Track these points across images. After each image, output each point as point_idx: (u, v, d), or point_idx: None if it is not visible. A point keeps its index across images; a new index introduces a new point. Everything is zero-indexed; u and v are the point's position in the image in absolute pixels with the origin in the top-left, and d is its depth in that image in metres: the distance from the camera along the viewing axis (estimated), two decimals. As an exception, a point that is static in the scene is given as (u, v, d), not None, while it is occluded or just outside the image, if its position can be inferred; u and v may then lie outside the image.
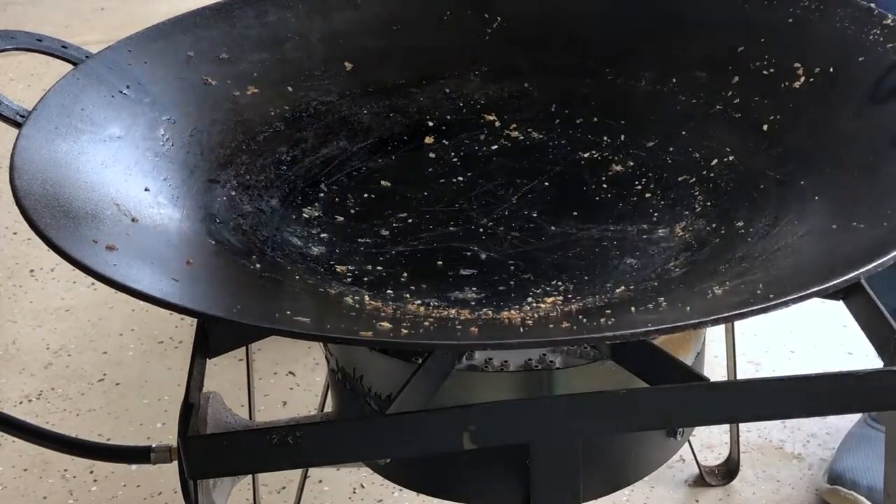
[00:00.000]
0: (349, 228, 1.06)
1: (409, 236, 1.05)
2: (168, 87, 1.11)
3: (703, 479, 1.50)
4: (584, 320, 0.91)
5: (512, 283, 0.99)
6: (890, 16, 1.09)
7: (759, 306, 0.82)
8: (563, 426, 0.90)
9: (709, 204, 1.06)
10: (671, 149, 1.13)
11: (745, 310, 0.82)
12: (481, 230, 1.05)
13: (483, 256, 1.02)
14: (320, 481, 1.52)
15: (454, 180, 1.12)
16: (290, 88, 1.17)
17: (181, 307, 0.84)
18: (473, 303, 0.96)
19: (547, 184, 1.11)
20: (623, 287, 0.97)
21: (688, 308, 0.88)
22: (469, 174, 1.13)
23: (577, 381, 0.97)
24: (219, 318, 0.83)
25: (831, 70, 1.09)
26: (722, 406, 0.90)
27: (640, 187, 1.10)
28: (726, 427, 1.53)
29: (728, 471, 1.51)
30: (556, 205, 1.08)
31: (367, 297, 0.96)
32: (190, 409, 0.92)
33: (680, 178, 1.10)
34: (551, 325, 0.91)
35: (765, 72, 1.13)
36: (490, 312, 0.94)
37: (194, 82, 1.13)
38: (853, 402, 0.91)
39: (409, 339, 0.87)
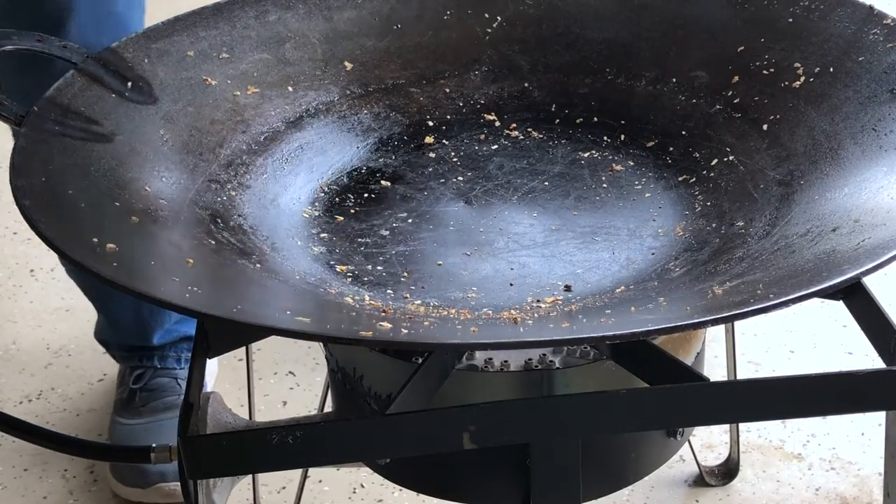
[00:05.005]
0: (349, 228, 1.06)
1: (409, 236, 1.05)
2: (168, 87, 1.11)
3: (703, 479, 1.50)
4: (584, 320, 0.91)
5: (512, 283, 0.99)
6: (890, 15, 1.09)
7: (759, 306, 0.82)
8: (563, 426, 0.90)
9: (709, 204, 1.06)
10: (671, 149, 1.13)
11: (745, 310, 0.82)
12: (481, 230, 1.05)
13: (483, 256, 1.02)
14: (320, 481, 1.52)
15: (454, 180, 1.12)
16: (290, 88, 1.17)
17: (181, 307, 0.84)
18: (473, 303, 0.96)
19: (547, 184, 1.11)
20: (623, 287, 0.97)
21: (688, 308, 0.88)
22: (469, 174, 1.13)
23: (577, 381, 0.97)
24: (219, 318, 0.83)
25: (831, 70, 1.09)
26: (722, 406, 0.90)
27: (639, 187, 1.10)
28: (726, 427, 1.53)
29: (728, 471, 1.51)
30: (556, 205, 1.08)
31: (367, 297, 0.96)
32: (190, 409, 0.92)
33: (680, 178, 1.10)
34: (551, 325, 0.91)
35: (765, 72, 1.13)
36: (490, 312, 0.94)
37: (194, 82, 1.13)
38: (853, 402, 0.91)
39: (409, 339, 0.87)
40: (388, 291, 0.98)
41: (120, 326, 1.58)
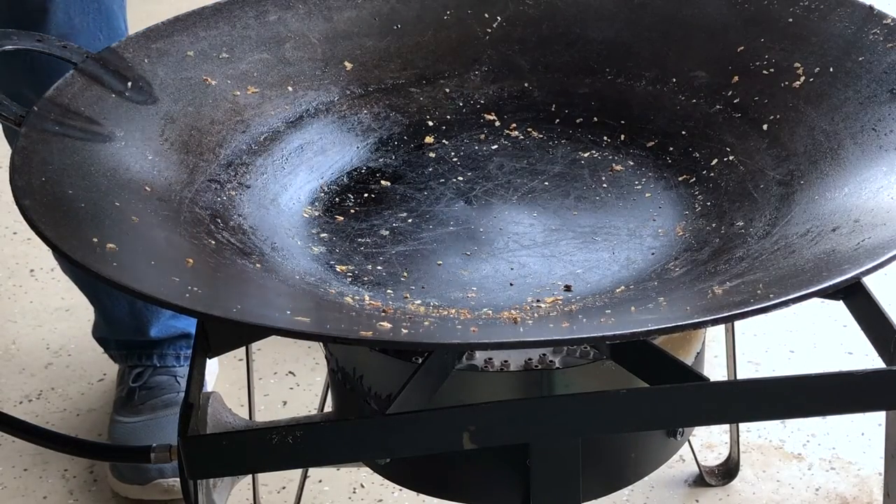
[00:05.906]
0: (349, 228, 1.06)
1: (409, 236, 1.05)
2: (168, 87, 1.11)
3: (703, 479, 1.50)
4: (584, 320, 0.91)
5: (512, 283, 0.99)
6: (890, 15, 1.09)
7: (759, 306, 0.82)
8: (563, 426, 0.90)
9: (709, 204, 1.06)
10: (671, 149, 1.13)
11: (745, 310, 0.82)
12: (481, 230, 1.05)
13: (483, 256, 1.02)
14: (320, 481, 1.52)
15: (454, 180, 1.12)
16: (290, 88, 1.17)
17: (181, 307, 0.84)
18: (473, 303, 0.96)
19: (547, 184, 1.11)
20: (623, 287, 0.97)
21: (688, 308, 0.88)
22: (469, 174, 1.13)
23: (577, 381, 0.97)
24: (219, 318, 0.83)
25: (831, 70, 1.09)
26: (722, 406, 0.90)
27: (639, 187, 1.10)
28: (726, 427, 1.53)
29: (728, 471, 1.51)
30: (556, 205, 1.08)
31: (367, 297, 0.96)
32: (190, 409, 0.92)
33: (680, 178, 1.10)
34: (551, 325, 0.91)
35: (765, 72, 1.13)
36: (490, 312, 0.94)
37: (194, 82, 1.13)
38: (853, 402, 0.91)
39: (409, 339, 0.87)
40: (388, 291, 0.98)
41: (115, 320, 1.58)
